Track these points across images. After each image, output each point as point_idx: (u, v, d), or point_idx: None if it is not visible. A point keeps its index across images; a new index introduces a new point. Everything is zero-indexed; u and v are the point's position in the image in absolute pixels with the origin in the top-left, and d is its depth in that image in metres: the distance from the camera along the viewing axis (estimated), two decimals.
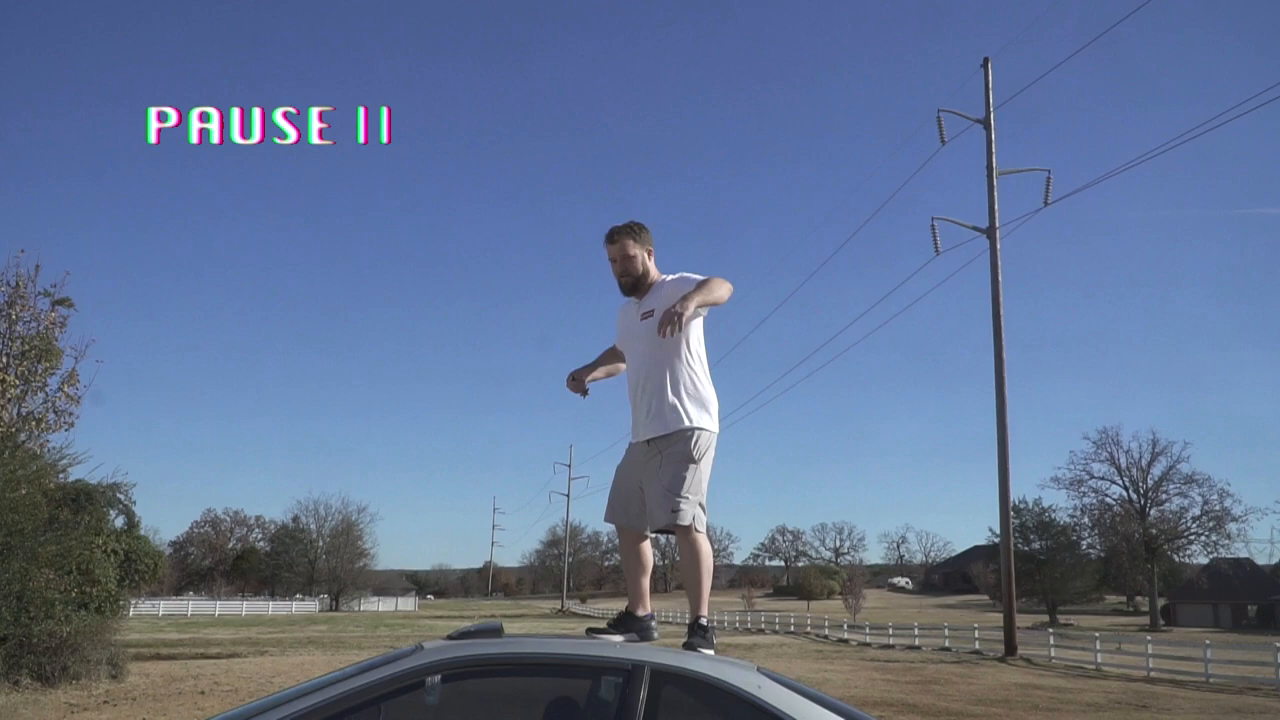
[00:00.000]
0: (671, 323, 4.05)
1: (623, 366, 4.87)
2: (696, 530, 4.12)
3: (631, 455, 4.51)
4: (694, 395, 4.36)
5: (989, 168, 32.71)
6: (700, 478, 4.25)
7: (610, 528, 4.68)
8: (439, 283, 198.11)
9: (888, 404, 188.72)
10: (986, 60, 33.19)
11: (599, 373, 4.97)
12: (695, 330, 4.48)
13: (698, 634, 3.77)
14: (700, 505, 4.21)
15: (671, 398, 4.33)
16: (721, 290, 4.26)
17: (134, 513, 21.72)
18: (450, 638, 3.36)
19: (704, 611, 3.94)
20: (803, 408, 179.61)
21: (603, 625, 4.23)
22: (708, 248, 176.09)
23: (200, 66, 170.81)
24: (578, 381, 4.91)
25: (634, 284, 4.56)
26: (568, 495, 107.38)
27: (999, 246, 32.04)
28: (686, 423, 4.28)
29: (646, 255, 4.59)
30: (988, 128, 32.91)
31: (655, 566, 4.61)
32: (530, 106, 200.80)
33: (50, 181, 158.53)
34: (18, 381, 16.92)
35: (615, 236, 4.56)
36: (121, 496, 20.88)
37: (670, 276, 4.54)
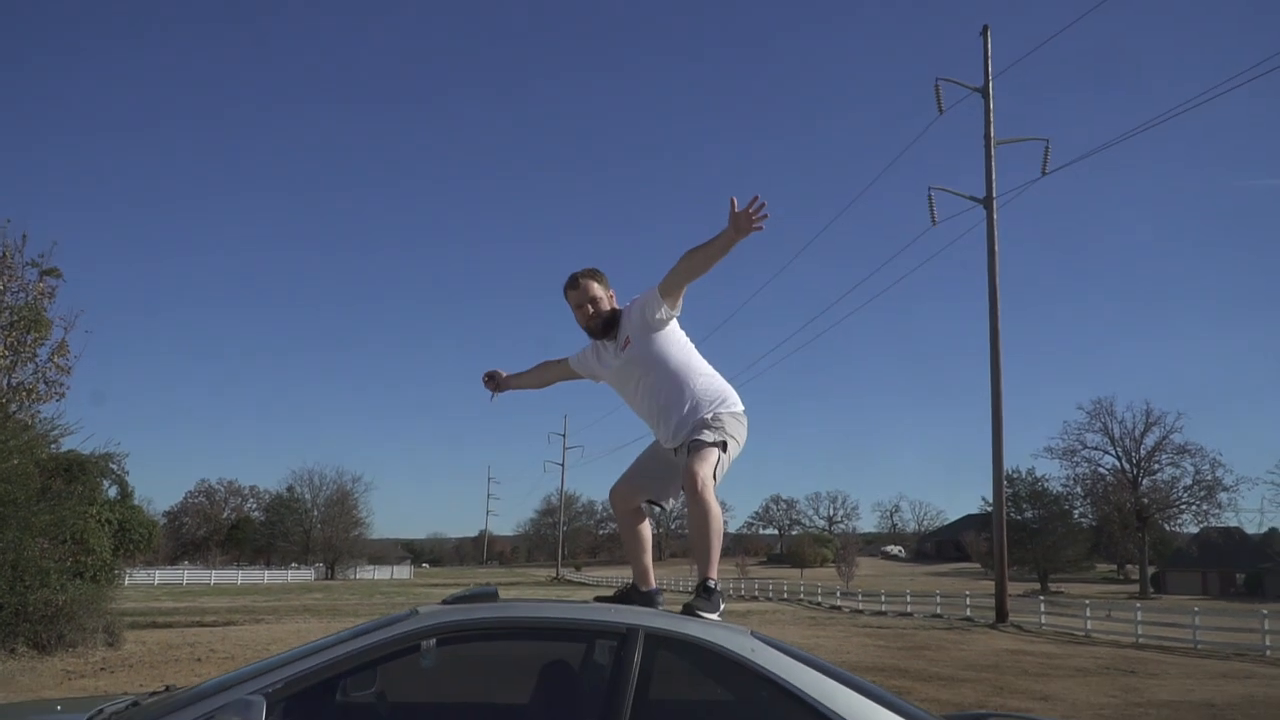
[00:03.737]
0: (752, 217, 3.94)
1: (556, 381, 4.91)
2: (708, 489, 4.00)
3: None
4: (705, 396, 4.32)
5: (987, 137, 32.57)
6: (726, 436, 4.20)
7: (606, 497, 4.65)
8: (435, 252, 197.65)
9: (883, 374, 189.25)
10: (985, 28, 32.96)
11: (526, 381, 4.97)
12: (671, 335, 4.40)
13: (702, 596, 3.72)
14: (722, 449, 4.13)
15: (687, 411, 4.28)
16: (699, 256, 4.16)
17: (127, 483, 21.78)
18: (445, 603, 3.38)
19: (713, 574, 3.89)
20: (798, 378, 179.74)
21: (609, 596, 4.24)
22: (701, 217, 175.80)
23: (198, 57, 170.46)
24: (495, 382, 4.92)
25: (605, 324, 4.47)
26: (562, 465, 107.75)
27: (996, 217, 32.00)
28: (709, 417, 4.25)
29: (609, 297, 4.51)
30: (986, 97, 32.74)
31: (651, 535, 4.59)
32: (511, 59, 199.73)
33: (38, 147, 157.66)
34: (7, 352, 16.85)
35: (578, 281, 4.47)
36: (114, 467, 20.92)
37: (634, 299, 4.45)
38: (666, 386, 4.32)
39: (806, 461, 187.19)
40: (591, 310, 4.44)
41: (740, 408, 4.36)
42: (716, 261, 4.13)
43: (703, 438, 4.10)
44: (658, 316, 4.29)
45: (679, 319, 4.43)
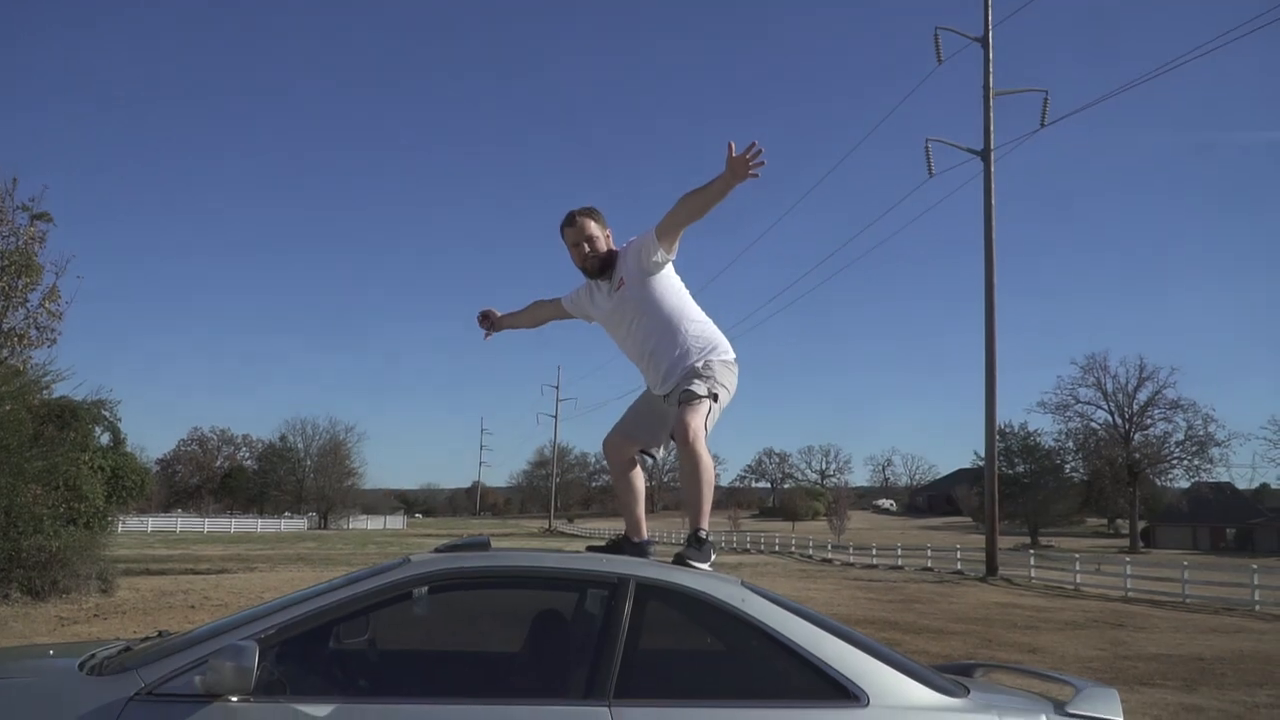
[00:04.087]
0: (749, 163, 3.94)
1: (549, 320, 4.93)
2: (699, 438, 4.01)
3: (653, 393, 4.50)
4: (696, 344, 4.32)
5: (986, 88, 32.36)
6: (718, 385, 4.22)
7: (599, 449, 4.67)
8: (429, 198, 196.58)
9: (876, 327, 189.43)
10: None
11: (520, 320, 5.00)
12: (666, 279, 4.39)
13: (694, 546, 3.74)
14: (713, 399, 4.14)
15: (677, 357, 4.29)
16: (696, 200, 4.14)
17: (119, 430, 21.74)
18: (438, 551, 3.40)
19: (704, 524, 3.91)
20: (791, 329, 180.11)
21: (601, 545, 4.26)
22: (696, 172, 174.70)
23: (194, 48, 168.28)
24: (490, 321, 4.96)
25: (602, 264, 4.45)
26: (555, 416, 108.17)
27: (993, 169, 31.86)
28: (699, 365, 4.26)
29: (606, 237, 4.49)
30: (986, 46, 32.47)
31: (645, 487, 4.62)
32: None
33: (29, 94, 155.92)
34: None
35: (575, 219, 4.46)
36: (106, 414, 20.87)
37: (630, 240, 4.44)
38: (658, 331, 4.34)
39: (800, 415, 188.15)
40: (588, 249, 4.42)
41: (731, 356, 4.37)
42: (713, 205, 4.13)
43: (694, 388, 4.10)
44: (654, 260, 4.29)
45: (675, 264, 4.44)
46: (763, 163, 3.92)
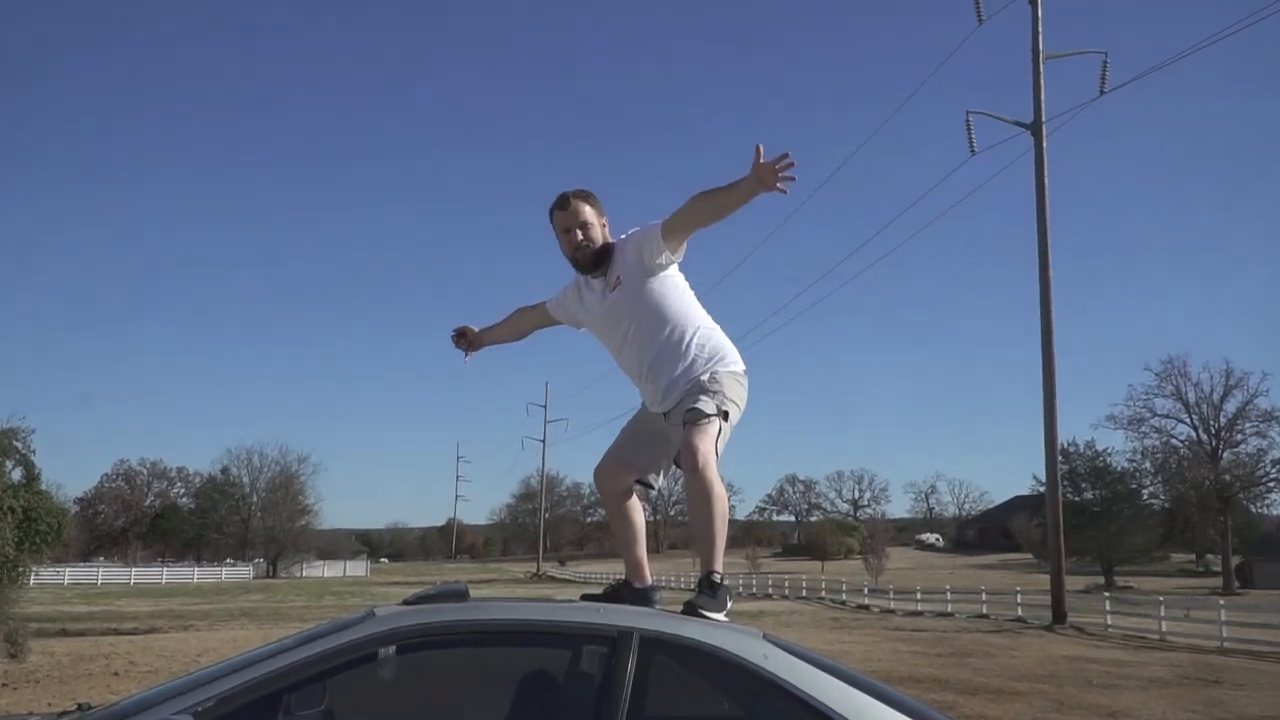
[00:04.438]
0: (777, 172, 3.93)
1: (535, 329, 5.00)
2: (709, 465, 3.98)
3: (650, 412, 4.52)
4: (702, 353, 4.34)
5: (1035, 51, 32.42)
6: (727, 402, 4.22)
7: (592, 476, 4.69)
8: (397, 183, 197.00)
9: (914, 333, 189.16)
10: None
11: (501, 334, 5.06)
12: (669, 279, 4.42)
13: (706, 592, 3.72)
14: (723, 418, 4.13)
15: (680, 371, 4.30)
16: (712, 203, 4.17)
17: (33, 464, 21.72)
18: (407, 603, 3.38)
19: (717, 566, 3.89)
20: (816, 336, 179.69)
21: (598, 594, 4.27)
22: (718, 150, 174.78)
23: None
24: (467, 340, 5.01)
25: (596, 256, 4.46)
26: (543, 441, 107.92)
27: (1045, 144, 31.89)
28: (704, 378, 4.27)
29: (602, 225, 4.50)
30: (1034, 4, 32.55)
31: (646, 524, 4.62)
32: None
33: None
34: None
35: (568, 201, 4.46)
36: (18, 445, 20.87)
37: (629, 232, 4.47)
38: (658, 339, 4.35)
39: (827, 436, 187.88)
40: (581, 236, 4.42)
41: (741, 367, 4.40)
42: (731, 211, 4.17)
43: (700, 405, 4.10)
44: (657, 261, 4.32)
45: (680, 264, 4.46)
46: (792, 177, 3.94)
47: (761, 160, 3.92)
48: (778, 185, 3.92)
